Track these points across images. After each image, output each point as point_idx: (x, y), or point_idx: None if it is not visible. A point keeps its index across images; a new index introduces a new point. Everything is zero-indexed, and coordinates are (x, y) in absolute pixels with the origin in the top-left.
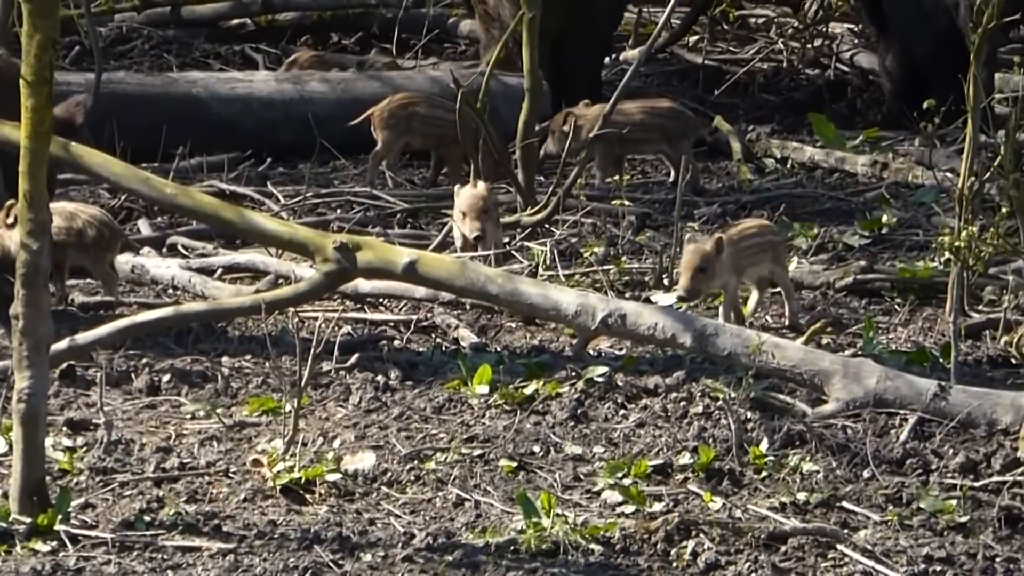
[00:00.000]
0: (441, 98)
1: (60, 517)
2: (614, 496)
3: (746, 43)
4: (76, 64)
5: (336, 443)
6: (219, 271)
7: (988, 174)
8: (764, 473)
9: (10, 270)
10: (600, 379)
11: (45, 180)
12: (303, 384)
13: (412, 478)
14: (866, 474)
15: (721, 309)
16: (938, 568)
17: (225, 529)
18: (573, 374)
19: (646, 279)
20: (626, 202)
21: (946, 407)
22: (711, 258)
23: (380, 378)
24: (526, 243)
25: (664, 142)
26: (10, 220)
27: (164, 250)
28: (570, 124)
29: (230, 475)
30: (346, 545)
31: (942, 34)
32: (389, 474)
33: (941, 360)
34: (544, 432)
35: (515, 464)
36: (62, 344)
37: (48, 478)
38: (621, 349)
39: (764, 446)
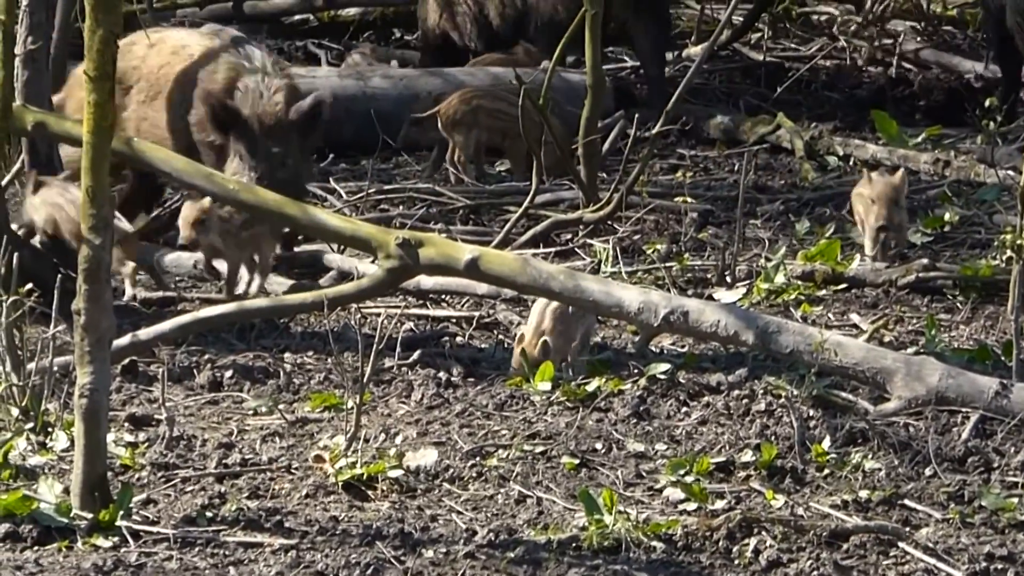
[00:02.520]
0: (504, 91)
1: (122, 513)
2: (676, 493)
3: (808, 40)
4: None
5: (398, 439)
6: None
7: None
8: (826, 471)
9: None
10: (662, 376)
11: (107, 175)
12: (365, 380)
13: (474, 475)
14: (928, 472)
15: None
16: (999, 566)
17: (287, 525)
18: (635, 371)
19: (709, 276)
20: (689, 199)
21: (1008, 405)
22: (901, 190)
23: (442, 374)
24: (588, 240)
25: None
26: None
27: None
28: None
29: (292, 471)
30: (408, 541)
31: None
32: (451, 471)
33: (1003, 358)
34: (606, 429)
35: (577, 461)
36: (124, 340)
37: (110, 474)
38: (683, 346)
39: (826, 444)
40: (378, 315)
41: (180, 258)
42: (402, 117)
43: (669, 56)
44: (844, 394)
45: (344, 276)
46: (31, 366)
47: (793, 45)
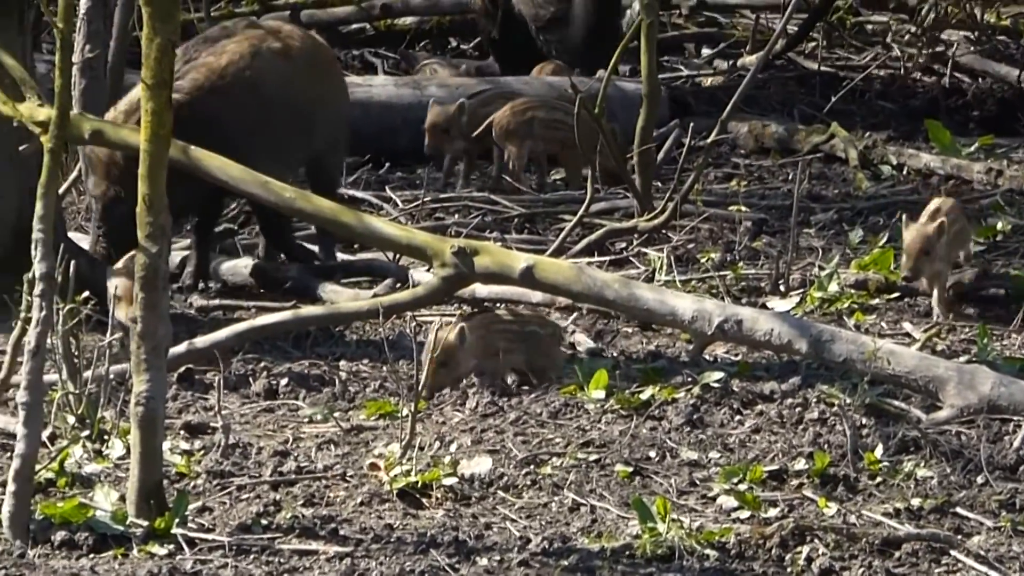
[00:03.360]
0: (560, 101)
1: (177, 520)
2: (729, 501)
3: (862, 50)
4: None
5: (453, 447)
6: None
7: None
8: (878, 479)
9: None
10: (716, 384)
11: (164, 183)
12: (420, 388)
13: (528, 483)
14: (980, 480)
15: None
16: None
17: (342, 533)
18: (689, 379)
19: (762, 285)
20: (743, 208)
21: None
22: (933, 241)
23: (497, 382)
24: (643, 248)
25: None
26: None
27: (282, 256)
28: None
29: (347, 479)
30: (462, 549)
31: None
32: (505, 478)
33: None
34: (660, 437)
35: (631, 469)
36: (180, 347)
37: (165, 481)
38: (737, 355)
39: (879, 452)
40: (433, 323)
41: (236, 266)
42: None
43: (724, 65)
44: (897, 402)
45: (398, 284)
46: (87, 374)
47: (847, 55)
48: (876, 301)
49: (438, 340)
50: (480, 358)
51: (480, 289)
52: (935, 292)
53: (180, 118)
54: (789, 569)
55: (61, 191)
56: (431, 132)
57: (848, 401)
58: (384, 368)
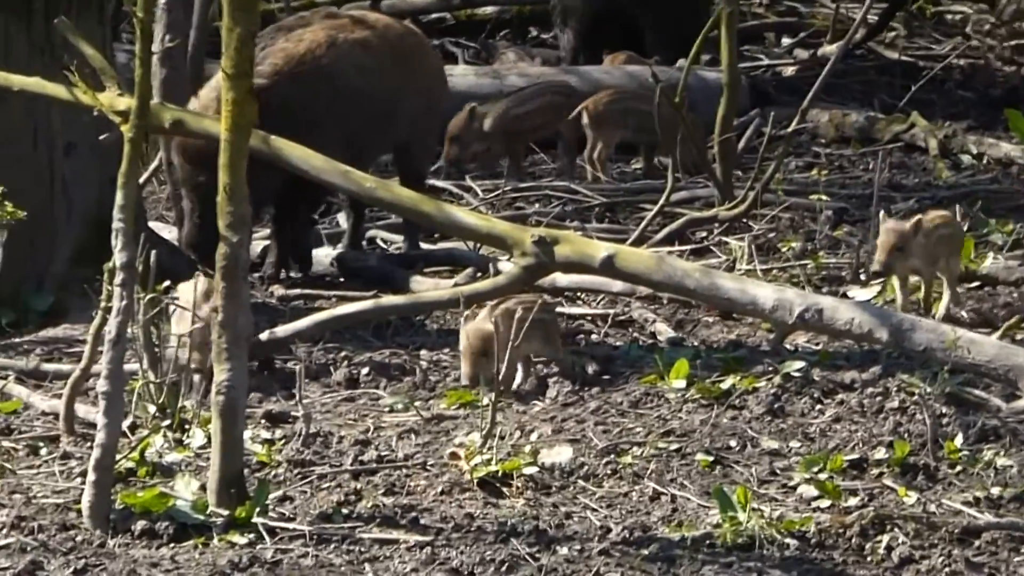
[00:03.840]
0: (646, 92)
1: (258, 510)
2: (810, 491)
3: (942, 39)
4: None
5: (533, 436)
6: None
7: None
8: (959, 468)
9: None
10: (797, 374)
11: (245, 173)
12: (501, 377)
13: (608, 472)
14: None
15: (900, 299)
16: None
17: (422, 522)
18: (770, 368)
19: (843, 274)
20: (823, 197)
21: None
22: (908, 237)
23: (577, 371)
24: (724, 238)
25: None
26: None
27: (363, 243)
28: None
29: (428, 468)
30: (543, 539)
31: None
32: (586, 468)
33: None
34: (740, 426)
35: (711, 458)
36: (261, 337)
37: (246, 471)
38: (818, 344)
39: (959, 441)
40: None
41: (316, 255)
42: None
43: (804, 54)
44: (977, 391)
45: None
46: (168, 364)
47: (927, 44)
48: (957, 290)
49: (476, 330)
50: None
51: (560, 278)
52: (947, 292)
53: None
54: (869, 558)
55: (141, 181)
56: (446, 143)
57: (928, 390)
58: None
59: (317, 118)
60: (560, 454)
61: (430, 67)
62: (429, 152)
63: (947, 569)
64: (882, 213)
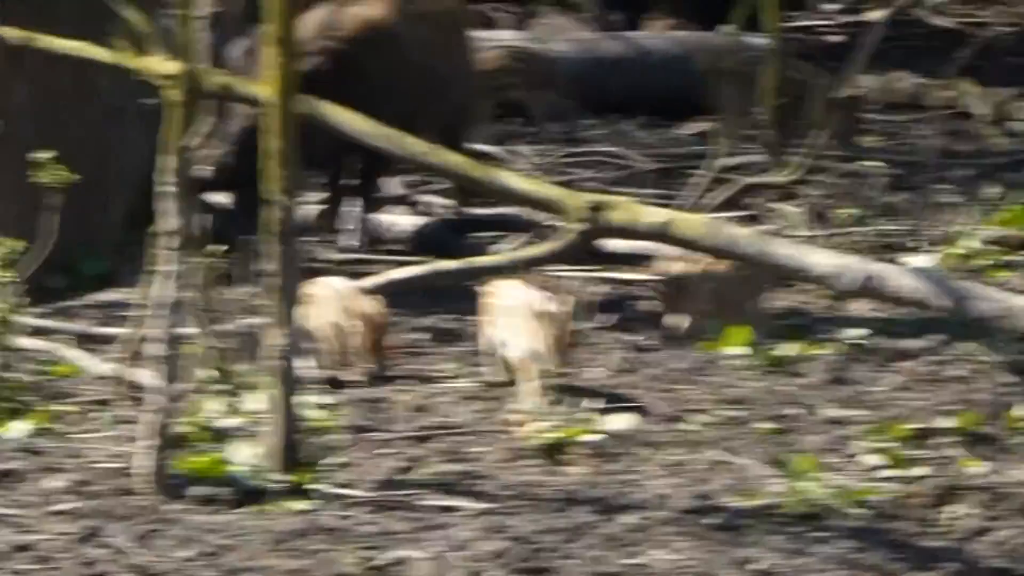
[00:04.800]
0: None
1: (316, 476)
2: (874, 460)
3: (991, 4)
4: None
5: (594, 403)
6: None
7: None
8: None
9: None
10: (857, 341)
11: (296, 136)
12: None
13: (669, 439)
14: None
15: None
16: None
17: (482, 489)
18: (830, 336)
19: (900, 241)
20: (878, 163)
21: None
22: None
23: (637, 338)
24: (779, 204)
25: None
26: None
27: (416, 207)
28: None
29: (487, 434)
30: (604, 507)
31: None
32: (646, 435)
33: None
34: (801, 394)
35: (773, 426)
36: None
37: (304, 436)
38: (878, 311)
39: (1022, 410)
40: (569, 278)
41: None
42: (585, 81)
43: (851, 19)
44: None
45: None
46: (222, 327)
47: (975, 10)
48: (1015, 257)
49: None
50: None
51: (615, 243)
52: None
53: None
54: (937, 529)
55: (191, 145)
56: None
57: (991, 358)
58: None
59: (384, 85)
60: (620, 421)
61: (473, 40)
62: (470, 131)
63: (1016, 540)
64: None
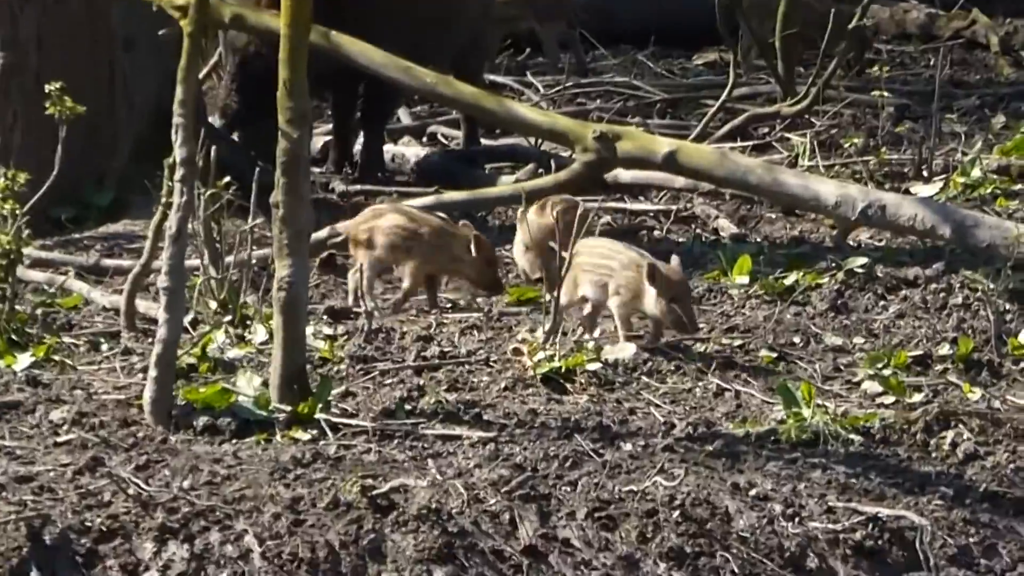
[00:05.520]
0: None
1: (320, 406)
2: (874, 387)
3: None
4: None
5: (596, 332)
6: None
7: None
8: (1022, 364)
9: None
10: (860, 270)
11: (305, 68)
12: (563, 273)
13: (672, 368)
14: None
15: None
16: None
17: (485, 418)
18: (833, 265)
19: (905, 170)
20: (885, 93)
21: None
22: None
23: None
24: (786, 134)
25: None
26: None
27: (424, 139)
28: None
29: (490, 364)
30: (606, 434)
31: None
32: (649, 364)
33: None
34: (804, 323)
35: (775, 355)
36: (322, 233)
37: (308, 367)
38: (881, 240)
39: (1022, 337)
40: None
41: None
42: (596, 11)
43: None
44: None
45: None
46: (229, 259)
47: None
48: (1019, 186)
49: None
50: None
51: (623, 174)
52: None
53: None
54: (933, 454)
55: (201, 76)
56: None
57: (991, 286)
58: None
59: (394, 14)
60: (623, 350)
61: None
62: (487, 55)
63: (1011, 465)
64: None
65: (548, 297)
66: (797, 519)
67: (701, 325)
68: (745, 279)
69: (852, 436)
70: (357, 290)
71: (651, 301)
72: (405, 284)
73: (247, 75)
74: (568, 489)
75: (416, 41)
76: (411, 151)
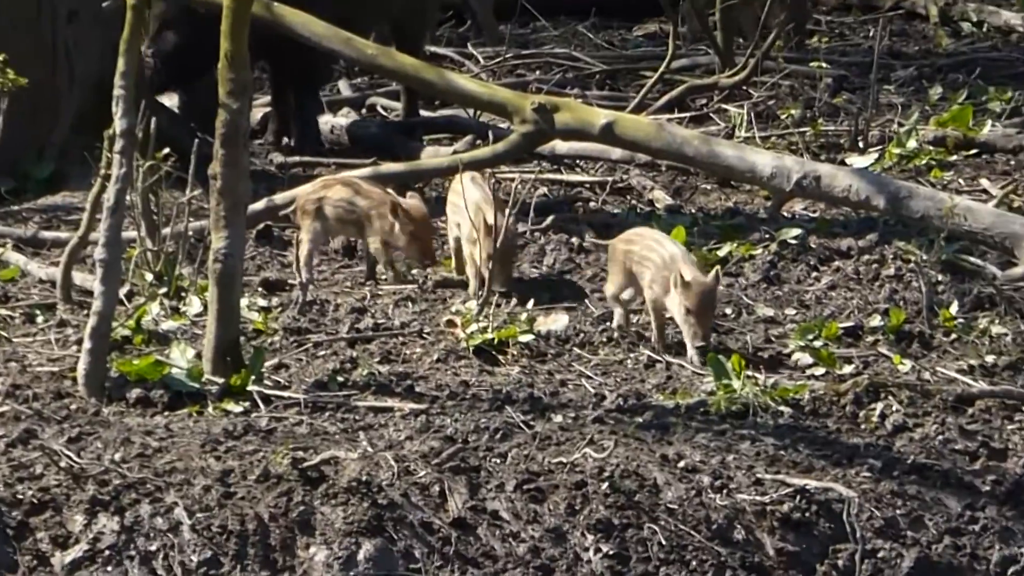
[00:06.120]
0: None
1: (253, 378)
2: (805, 358)
3: None
4: None
5: (529, 304)
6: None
7: None
8: (953, 336)
9: None
10: (793, 241)
11: (246, 40)
12: (497, 245)
13: (604, 339)
14: None
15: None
16: None
17: (417, 389)
18: (767, 236)
19: (841, 141)
20: (824, 64)
21: None
22: None
23: (575, 239)
24: (723, 105)
25: None
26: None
27: (363, 111)
28: None
29: (423, 336)
30: (537, 406)
31: None
32: (581, 336)
33: None
34: (736, 294)
35: None
36: (260, 204)
37: (242, 338)
38: (815, 211)
39: (954, 309)
40: (512, 180)
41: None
42: None
43: None
44: (973, 259)
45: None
46: (166, 231)
47: None
48: (954, 158)
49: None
50: None
51: (560, 145)
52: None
53: None
54: (863, 426)
55: (144, 48)
56: None
57: (924, 258)
58: None
59: None
60: (556, 322)
61: None
62: (427, 24)
63: (941, 437)
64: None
65: (482, 270)
66: (725, 491)
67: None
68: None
69: (782, 408)
70: (298, 261)
71: (673, 305)
72: (372, 257)
73: (162, 43)
74: (498, 461)
75: (353, 11)
76: (342, 121)
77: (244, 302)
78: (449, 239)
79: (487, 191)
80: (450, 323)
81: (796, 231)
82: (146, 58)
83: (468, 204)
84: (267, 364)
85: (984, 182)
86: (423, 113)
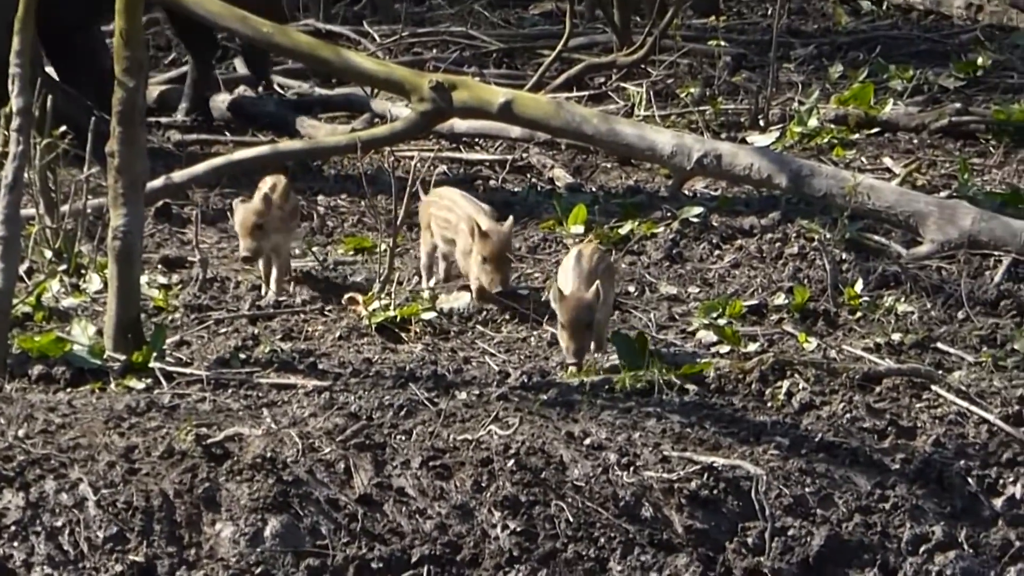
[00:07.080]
0: None
1: (155, 354)
2: (709, 336)
3: None
4: None
5: (431, 282)
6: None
7: None
8: (859, 314)
9: None
10: (695, 219)
11: (141, 17)
12: (399, 223)
13: (507, 317)
14: (960, 315)
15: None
16: None
17: (320, 367)
18: (668, 214)
19: (742, 120)
20: (722, 43)
21: None
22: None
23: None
24: (622, 83)
25: None
26: None
27: (260, 89)
28: None
29: (325, 313)
30: (441, 383)
31: None
32: (484, 313)
33: None
34: (639, 272)
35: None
36: (158, 182)
37: (143, 316)
38: (716, 190)
39: (859, 287)
40: (411, 158)
41: (213, 101)
42: None
43: None
44: (877, 237)
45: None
46: (65, 208)
47: None
48: (856, 136)
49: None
50: None
51: (458, 124)
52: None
53: None
54: (769, 404)
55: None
56: None
57: (828, 236)
58: (362, 203)
59: None
60: (458, 299)
61: None
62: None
63: (848, 415)
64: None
65: (384, 247)
66: (632, 468)
67: (536, 274)
68: (580, 228)
69: (687, 385)
70: None
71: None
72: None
73: None
74: (403, 438)
75: None
76: (247, 100)
77: (144, 279)
78: (422, 253)
79: (476, 202)
80: (352, 300)
81: (698, 209)
82: None
83: (462, 217)
84: (168, 341)
85: (887, 160)
86: (318, 91)
